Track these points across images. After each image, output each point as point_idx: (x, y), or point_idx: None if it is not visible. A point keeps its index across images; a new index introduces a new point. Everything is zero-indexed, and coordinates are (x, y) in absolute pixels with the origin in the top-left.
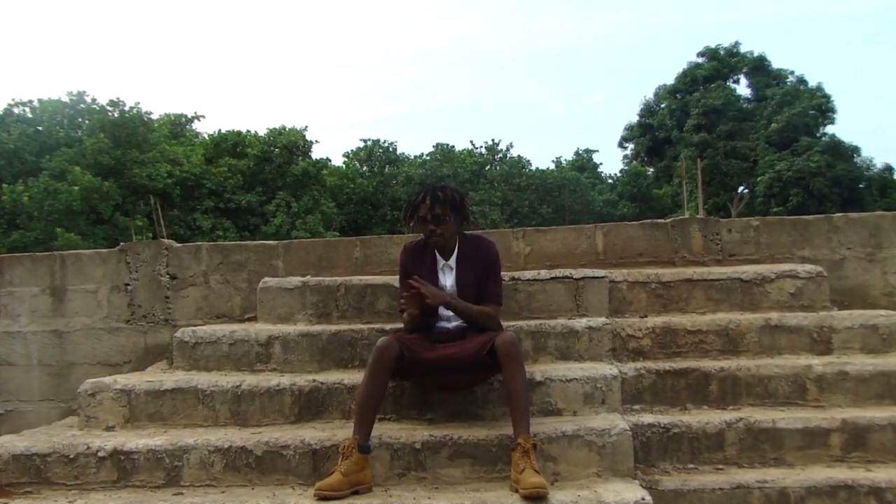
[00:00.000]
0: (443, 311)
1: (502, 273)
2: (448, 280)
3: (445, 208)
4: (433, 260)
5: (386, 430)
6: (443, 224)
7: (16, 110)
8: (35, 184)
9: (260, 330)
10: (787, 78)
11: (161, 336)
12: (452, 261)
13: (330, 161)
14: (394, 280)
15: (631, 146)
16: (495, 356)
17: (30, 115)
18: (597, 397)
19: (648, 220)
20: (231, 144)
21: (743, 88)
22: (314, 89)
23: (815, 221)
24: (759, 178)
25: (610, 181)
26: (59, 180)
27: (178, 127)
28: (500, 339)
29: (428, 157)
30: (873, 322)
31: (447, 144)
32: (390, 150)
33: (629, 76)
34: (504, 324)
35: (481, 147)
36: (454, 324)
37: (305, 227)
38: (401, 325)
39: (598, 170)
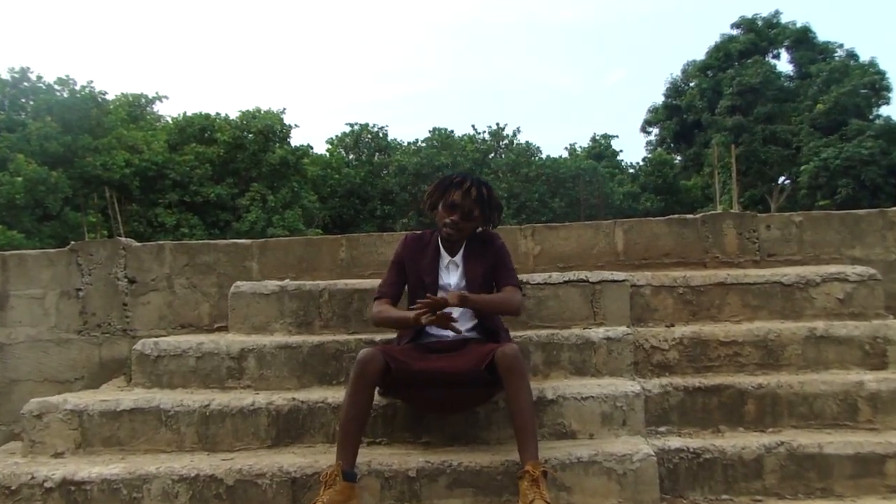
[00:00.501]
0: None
1: None
2: (453, 277)
3: (482, 210)
4: (435, 255)
5: (376, 456)
6: (471, 222)
7: None
8: None
9: (232, 341)
10: (835, 52)
11: (118, 349)
12: (459, 257)
13: (311, 148)
14: None
15: (655, 131)
16: (495, 371)
17: None
18: (617, 418)
19: (675, 216)
20: (198, 129)
21: (784, 64)
22: (293, 67)
23: (867, 216)
24: (802, 168)
25: (631, 171)
26: None
27: (137, 109)
28: (501, 352)
29: (423, 144)
30: None
31: (445, 129)
32: (380, 135)
33: (653, 51)
34: (511, 334)
35: (484, 132)
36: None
37: (283, 224)
38: (391, 336)
39: (618, 158)
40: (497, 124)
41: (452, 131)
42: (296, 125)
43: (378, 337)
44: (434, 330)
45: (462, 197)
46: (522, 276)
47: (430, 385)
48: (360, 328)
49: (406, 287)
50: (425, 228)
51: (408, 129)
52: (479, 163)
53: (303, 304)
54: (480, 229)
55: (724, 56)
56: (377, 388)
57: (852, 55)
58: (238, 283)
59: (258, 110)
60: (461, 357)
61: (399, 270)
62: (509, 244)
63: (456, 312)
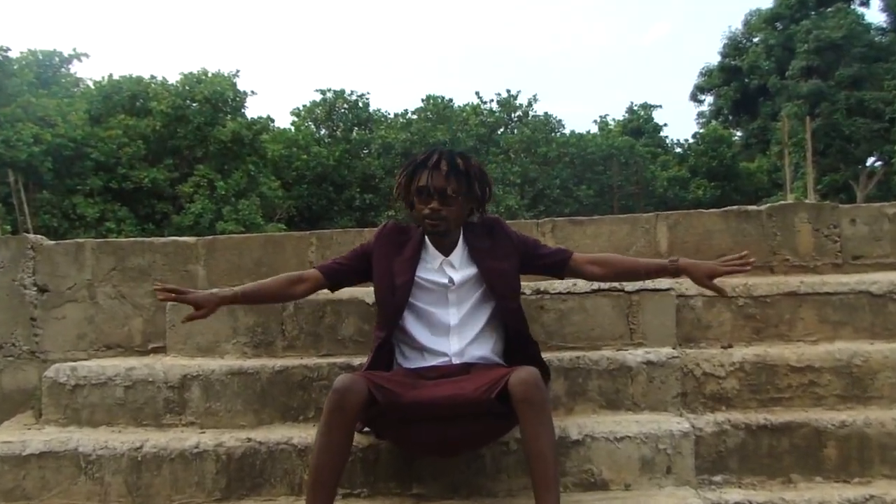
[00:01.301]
0: (440, 318)
1: (523, 285)
2: (456, 276)
3: (461, 184)
4: (416, 254)
5: None
6: (450, 205)
7: None
8: None
9: (171, 366)
10: None
11: (24, 376)
12: (459, 256)
13: (272, 122)
14: (366, 293)
15: (709, 99)
16: (509, 402)
17: None
18: (659, 464)
19: (734, 207)
20: (127, 97)
21: (874, 13)
22: (249, 17)
23: None
24: None
25: (678, 150)
26: None
27: (49, 70)
28: (517, 378)
29: (415, 116)
30: None
31: (442, 98)
32: (360, 105)
33: None
34: None
35: (492, 101)
36: (455, 348)
37: (237, 218)
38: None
39: (662, 134)
40: (508, 91)
41: (451, 100)
42: (252, 92)
43: (357, 360)
44: (429, 342)
45: (431, 177)
46: (539, 284)
47: (426, 421)
48: (335, 349)
49: (374, 288)
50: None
51: (395, 97)
52: (485, 140)
53: (261, 318)
54: (476, 217)
55: (798, 3)
56: (358, 426)
57: None
58: None
59: (204, 73)
60: (466, 383)
61: (358, 258)
62: None
63: (454, 319)
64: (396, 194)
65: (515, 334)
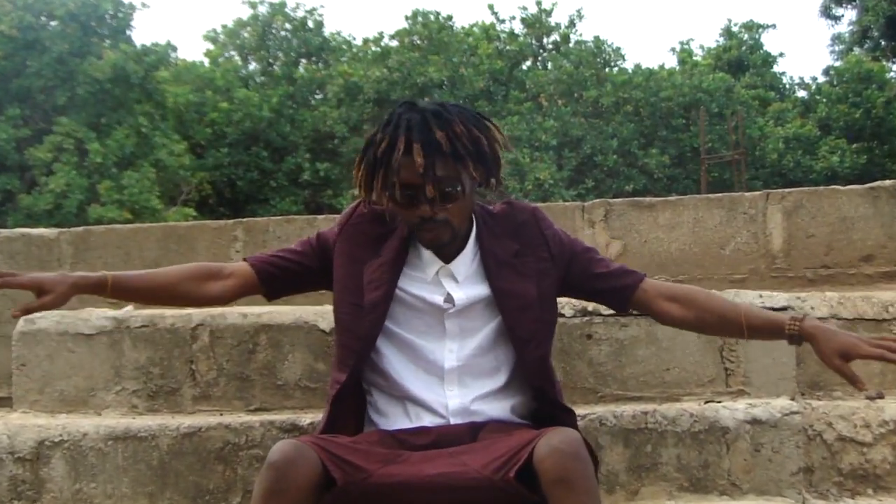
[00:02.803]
0: (430, 354)
1: (562, 300)
2: (459, 292)
3: (461, 166)
4: (401, 254)
5: None
6: (453, 202)
7: None
8: None
9: (20, 428)
10: None
11: None
12: (463, 263)
13: (175, 51)
14: (320, 315)
15: (850, 16)
16: (536, 483)
17: None
18: None
19: (888, 182)
20: None
21: None
22: None
23: None
24: None
25: (801, 94)
26: None
27: None
28: (547, 447)
29: (394, 43)
30: None
31: (437, 14)
32: (310, 26)
33: None
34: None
35: (513, 20)
36: (455, 404)
37: (121, 198)
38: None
39: (776, 69)
40: (538, 5)
41: (451, 18)
42: (143, 5)
43: (308, 417)
44: (416, 389)
45: (415, 169)
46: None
47: None
48: (273, 400)
49: (334, 304)
50: None
51: (364, 14)
52: (503, 79)
53: (160, 353)
54: (497, 205)
55: None
56: None
57: None
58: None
59: None
60: (470, 455)
61: (313, 252)
62: None
63: (452, 359)
64: (357, 181)
65: (536, 394)
